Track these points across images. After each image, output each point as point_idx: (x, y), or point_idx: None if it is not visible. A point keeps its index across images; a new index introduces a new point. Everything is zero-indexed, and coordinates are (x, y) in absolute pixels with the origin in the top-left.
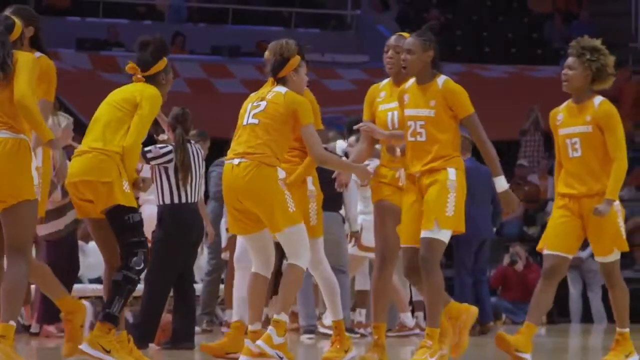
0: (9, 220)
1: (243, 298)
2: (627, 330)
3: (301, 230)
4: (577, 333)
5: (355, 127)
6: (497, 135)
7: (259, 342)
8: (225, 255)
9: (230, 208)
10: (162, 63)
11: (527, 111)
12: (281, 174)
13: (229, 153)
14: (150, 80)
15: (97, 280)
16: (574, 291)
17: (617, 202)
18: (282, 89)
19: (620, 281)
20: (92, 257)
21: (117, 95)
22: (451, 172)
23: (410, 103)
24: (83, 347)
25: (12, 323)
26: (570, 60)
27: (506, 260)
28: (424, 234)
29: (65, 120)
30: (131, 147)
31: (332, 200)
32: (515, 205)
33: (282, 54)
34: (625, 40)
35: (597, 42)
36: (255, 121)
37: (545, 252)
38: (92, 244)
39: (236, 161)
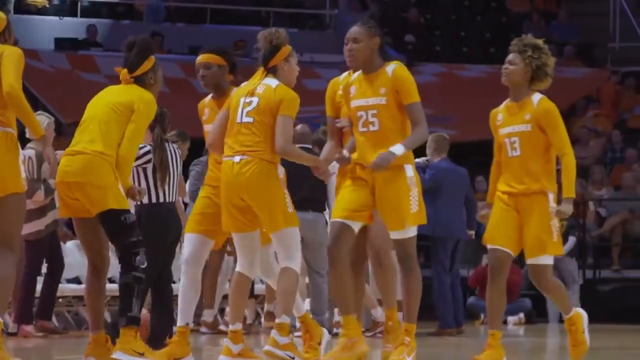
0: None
1: (190, 300)
2: None
3: (296, 233)
4: (555, 333)
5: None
6: (477, 135)
7: (267, 347)
8: None
9: (228, 205)
10: (149, 63)
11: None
12: (281, 172)
13: (226, 150)
14: (138, 81)
15: (75, 280)
16: None
17: (553, 204)
18: (273, 82)
19: (551, 283)
20: (70, 257)
21: (113, 97)
22: (408, 169)
23: (357, 94)
24: (116, 355)
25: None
26: (511, 55)
27: (485, 260)
28: (396, 234)
29: (46, 119)
30: (127, 154)
31: (317, 201)
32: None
33: (271, 42)
34: (604, 40)
35: (540, 42)
36: (250, 120)
37: (488, 246)
38: (70, 244)
39: (237, 158)
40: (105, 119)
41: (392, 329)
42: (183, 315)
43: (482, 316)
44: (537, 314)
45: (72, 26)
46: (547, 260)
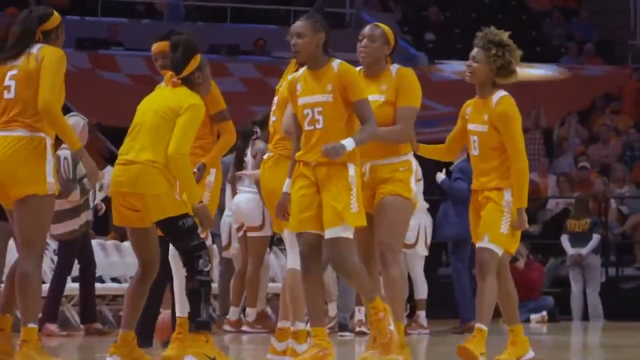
0: (17, 215)
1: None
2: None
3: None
4: (579, 331)
5: None
6: None
7: (287, 359)
8: (226, 254)
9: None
10: (195, 62)
11: (526, 109)
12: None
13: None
14: (185, 81)
15: (98, 279)
16: (576, 288)
17: (508, 200)
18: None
19: (493, 277)
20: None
21: (162, 102)
22: (351, 168)
23: (304, 91)
24: (188, 359)
25: (33, 325)
26: (475, 51)
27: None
28: (331, 232)
29: (81, 121)
30: (173, 154)
31: None
32: (333, 153)
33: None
34: (624, 38)
35: (505, 36)
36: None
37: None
38: (93, 243)
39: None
40: (154, 126)
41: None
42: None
43: None
44: (560, 311)
45: (93, 25)
46: (495, 248)
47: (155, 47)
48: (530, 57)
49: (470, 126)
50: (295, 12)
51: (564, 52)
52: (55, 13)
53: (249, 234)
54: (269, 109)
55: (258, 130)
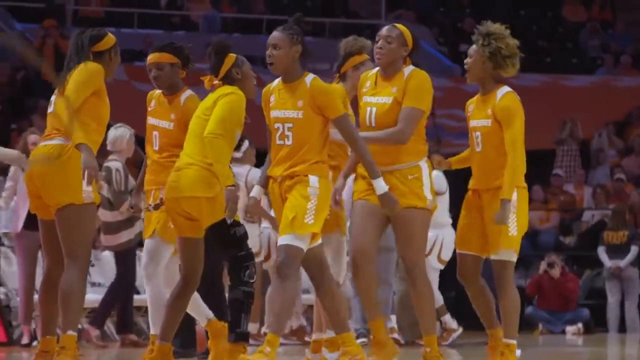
0: (58, 225)
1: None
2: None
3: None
4: (615, 343)
5: None
6: (533, 145)
7: None
8: (265, 266)
9: None
10: (229, 60)
11: (561, 120)
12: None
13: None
14: (225, 80)
15: None
16: (612, 300)
17: (515, 200)
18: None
19: (510, 287)
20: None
21: (202, 106)
22: (313, 180)
23: (276, 103)
24: None
25: (72, 332)
26: (470, 49)
27: (543, 266)
28: (280, 240)
29: (127, 132)
30: (206, 135)
31: None
32: (394, 207)
33: (344, 49)
34: None
35: (495, 27)
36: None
37: (457, 252)
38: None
39: None
40: (199, 130)
41: (379, 342)
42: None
43: (541, 326)
44: (596, 323)
45: (129, 37)
46: (507, 256)
47: (151, 57)
48: (566, 69)
49: (473, 122)
50: (331, 23)
51: (600, 64)
52: (109, 35)
53: None
54: None
55: None
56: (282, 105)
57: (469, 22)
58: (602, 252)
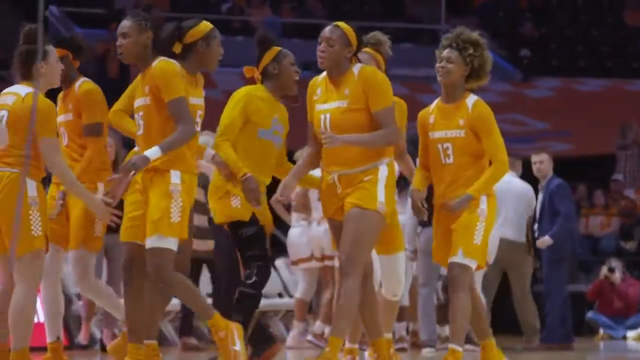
0: None
1: (56, 314)
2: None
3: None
4: None
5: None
6: (594, 149)
7: None
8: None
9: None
10: (270, 54)
11: (621, 125)
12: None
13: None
14: (264, 74)
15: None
16: None
17: (483, 209)
18: None
19: (463, 293)
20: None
21: None
22: (174, 175)
23: (138, 92)
24: None
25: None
26: (448, 52)
27: (603, 271)
28: (147, 242)
29: (211, 139)
30: (215, 141)
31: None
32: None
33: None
34: None
35: (478, 36)
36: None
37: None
38: None
39: None
40: None
41: None
42: (52, 330)
43: (601, 331)
44: None
45: None
46: (469, 262)
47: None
48: (626, 73)
49: (438, 134)
50: (391, 28)
51: None
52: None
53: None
54: None
55: None
56: (139, 93)
57: (528, 27)
58: None
